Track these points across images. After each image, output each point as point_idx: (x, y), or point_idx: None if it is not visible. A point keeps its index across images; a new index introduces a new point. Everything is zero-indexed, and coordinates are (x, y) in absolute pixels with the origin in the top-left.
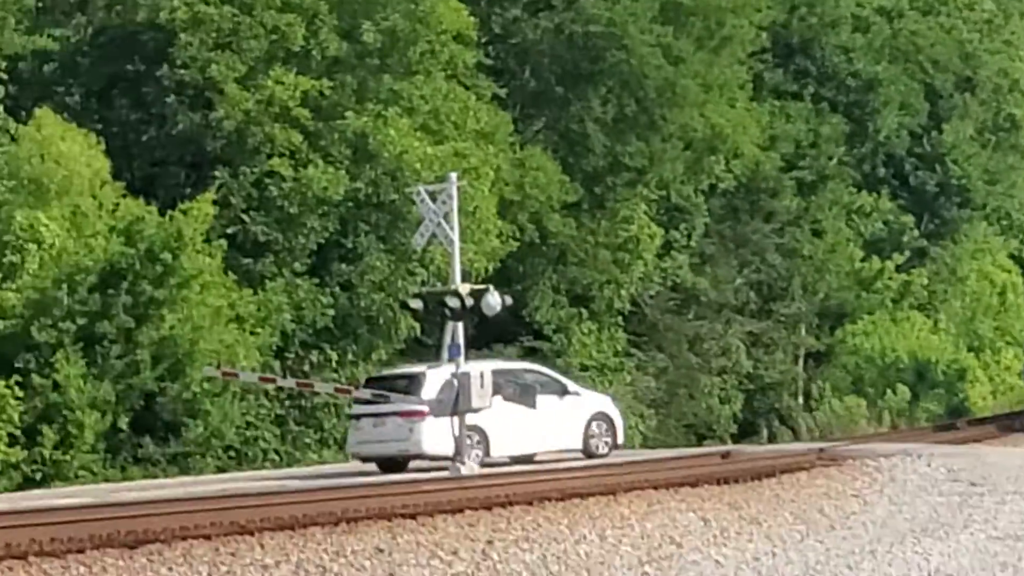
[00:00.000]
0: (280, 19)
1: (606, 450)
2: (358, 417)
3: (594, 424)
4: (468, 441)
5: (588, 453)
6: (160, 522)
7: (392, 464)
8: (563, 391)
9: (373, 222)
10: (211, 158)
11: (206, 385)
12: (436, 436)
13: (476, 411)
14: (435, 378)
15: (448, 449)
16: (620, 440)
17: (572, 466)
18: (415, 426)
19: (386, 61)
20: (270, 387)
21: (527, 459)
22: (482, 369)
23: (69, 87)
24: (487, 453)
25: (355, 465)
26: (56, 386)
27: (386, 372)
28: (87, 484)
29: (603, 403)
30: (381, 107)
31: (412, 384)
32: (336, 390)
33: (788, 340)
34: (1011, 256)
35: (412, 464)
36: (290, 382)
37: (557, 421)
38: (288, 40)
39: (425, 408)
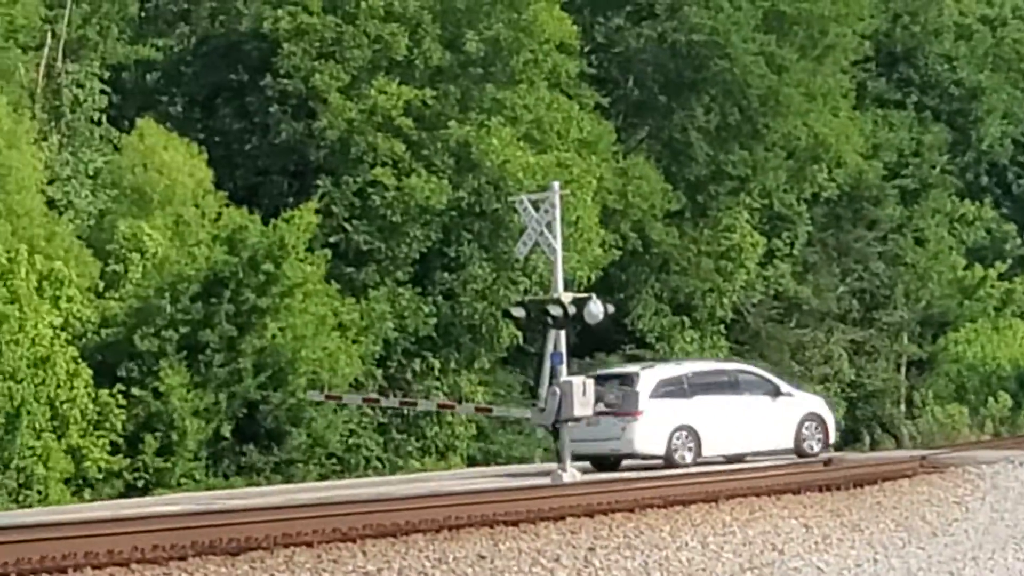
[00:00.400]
0: (383, 28)
1: (817, 450)
2: None
3: (806, 424)
4: (680, 440)
5: (800, 453)
6: (262, 529)
7: (605, 463)
8: (776, 392)
9: (476, 231)
10: (314, 167)
11: (307, 394)
12: (648, 435)
13: (577, 420)
14: (649, 378)
15: (660, 449)
16: (831, 440)
17: (673, 473)
18: (628, 425)
19: (489, 70)
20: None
21: (738, 459)
22: (686, 371)
23: (172, 96)
24: (699, 453)
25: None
26: (159, 394)
27: (600, 372)
28: (189, 492)
29: (815, 404)
30: (484, 116)
31: (625, 383)
32: (440, 406)
33: (890, 348)
34: None
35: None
36: (393, 401)
37: (769, 421)
38: (391, 49)
39: (638, 408)
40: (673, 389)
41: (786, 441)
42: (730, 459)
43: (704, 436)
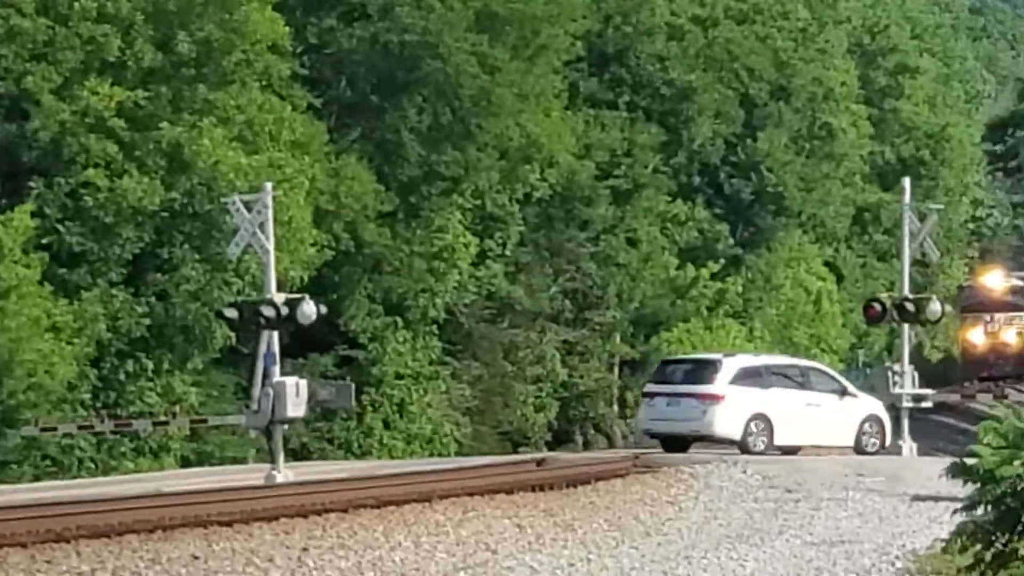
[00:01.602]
0: (96, 30)
1: (875, 449)
2: (652, 396)
3: (867, 425)
4: (755, 427)
5: (859, 451)
6: None
7: (676, 443)
8: (843, 392)
9: (188, 232)
10: (27, 169)
11: (23, 396)
12: (728, 420)
13: (291, 421)
14: (730, 365)
15: (737, 433)
16: (887, 442)
17: (386, 473)
18: (708, 408)
19: (201, 71)
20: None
21: (794, 451)
22: (763, 363)
23: None
24: (771, 441)
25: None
26: None
27: (679, 357)
28: None
29: (876, 407)
30: (196, 117)
31: (708, 369)
32: (154, 424)
33: (603, 348)
34: (826, 264)
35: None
36: (108, 424)
37: (836, 419)
38: (104, 51)
39: (720, 393)
40: (751, 378)
41: (848, 439)
42: (787, 451)
43: (777, 425)
